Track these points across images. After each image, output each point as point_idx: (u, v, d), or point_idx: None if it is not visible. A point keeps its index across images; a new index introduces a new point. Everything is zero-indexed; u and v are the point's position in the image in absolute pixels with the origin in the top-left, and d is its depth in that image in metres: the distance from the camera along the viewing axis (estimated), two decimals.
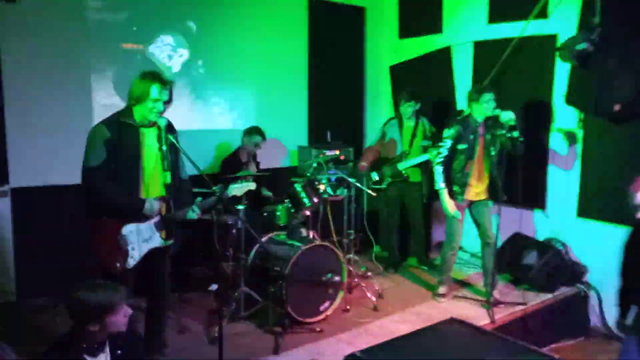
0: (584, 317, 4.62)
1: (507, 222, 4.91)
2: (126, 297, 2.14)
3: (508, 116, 3.92)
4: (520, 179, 4.36)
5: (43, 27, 4.19)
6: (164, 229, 3.06)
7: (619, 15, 4.14)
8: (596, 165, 4.60)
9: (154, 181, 3.00)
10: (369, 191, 4.72)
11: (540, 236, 4.93)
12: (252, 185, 3.27)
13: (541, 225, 5.01)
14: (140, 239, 2.95)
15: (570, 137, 4.78)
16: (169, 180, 3.02)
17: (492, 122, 4.11)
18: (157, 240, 3.02)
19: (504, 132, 3.99)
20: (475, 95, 4.10)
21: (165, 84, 2.94)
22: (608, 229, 4.56)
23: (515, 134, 3.95)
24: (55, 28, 4.26)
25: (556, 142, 4.88)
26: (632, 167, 4.36)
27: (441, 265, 4.49)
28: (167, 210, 3.05)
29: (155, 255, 3.05)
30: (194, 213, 3.02)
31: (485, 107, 4.02)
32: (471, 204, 4.27)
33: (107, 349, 2.14)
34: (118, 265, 2.88)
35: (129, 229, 2.91)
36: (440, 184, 4.16)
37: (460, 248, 5.41)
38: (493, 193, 4.25)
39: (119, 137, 2.87)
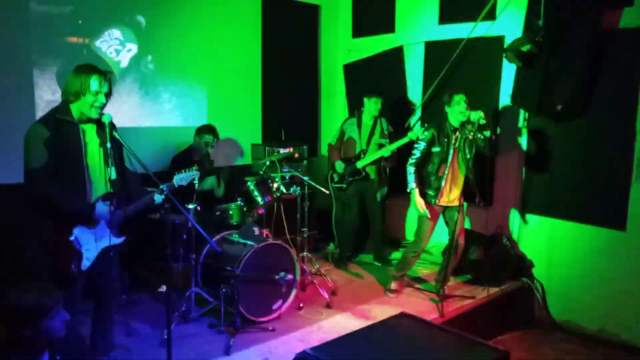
0: (529, 309, 4.81)
1: None
2: (62, 301, 2.05)
3: (477, 115, 3.96)
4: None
5: None
6: (116, 226, 2.97)
7: (561, 19, 4.31)
8: (540, 163, 4.78)
9: (99, 178, 2.89)
10: (323, 189, 4.74)
11: (488, 232, 5.08)
12: (196, 174, 3.20)
13: (489, 221, 5.16)
14: (93, 239, 2.86)
15: (516, 136, 4.95)
16: (113, 175, 2.91)
17: (466, 126, 4.13)
18: (109, 239, 2.93)
19: (478, 134, 4.02)
20: (447, 98, 4.14)
21: (104, 74, 2.81)
22: (552, 223, 4.77)
23: (487, 133, 4.00)
24: None
25: (503, 140, 5.03)
26: (573, 164, 4.57)
27: (400, 262, 4.54)
28: (116, 206, 2.96)
29: (105, 253, 2.96)
30: (161, 195, 2.90)
31: (458, 109, 4.05)
32: (446, 209, 4.28)
33: (46, 355, 2.05)
34: (74, 268, 2.77)
35: (80, 230, 2.81)
36: (412, 184, 4.15)
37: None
38: (468, 197, 4.31)
39: (59, 136, 2.73)
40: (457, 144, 4.16)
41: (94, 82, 2.76)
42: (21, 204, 3.17)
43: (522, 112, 4.88)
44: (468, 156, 4.15)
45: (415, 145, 4.25)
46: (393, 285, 4.50)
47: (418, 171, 4.18)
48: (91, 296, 3.13)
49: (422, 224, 4.30)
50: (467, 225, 5.09)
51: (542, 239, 4.83)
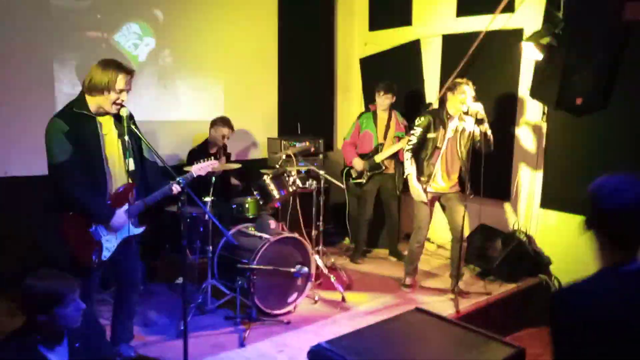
0: (546, 306, 4.74)
1: (473, 213, 5.01)
2: (79, 290, 2.09)
3: (476, 108, 3.95)
4: (486, 170, 4.45)
5: (4, 14, 4.06)
6: (136, 216, 3.02)
7: (582, 10, 4.22)
8: (559, 158, 4.71)
9: (118, 170, 2.94)
10: (339, 183, 4.74)
11: (505, 227, 5.03)
12: (215, 163, 3.24)
13: (506, 216, 5.11)
14: (112, 229, 2.91)
15: (535, 130, 4.88)
16: (132, 167, 2.96)
17: (464, 118, 4.12)
18: (129, 229, 2.98)
19: (473, 128, 4.00)
20: (452, 85, 4.16)
21: (131, 73, 2.86)
22: (570, 219, 4.68)
23: (484, 127, 3.98)
24: (17, 15, 4.12)
25: (521, 134, 4.97)
26: (593, 159, 4.49)
27: (408, 256, 4.55)
28: (135, 196, 3.00)
29: (126, 243, 3.01)
30: (179, 185, 2.91)
31: (460, 98, 4.03)
32: (441, 197, 4.31)
33: (65, 341, 2.09)
34: (94, 258, 2.84)
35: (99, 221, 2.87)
36: (408, 170, 4.22)
37: (428, 239, 5.50)
38: (463, 188, 4.30)
39: (77, 129, 2.77)
40: (453, 132, 4.15)
41: (121, 81, 2.80)
42: (42, 195, 3.23)
43: (541, 105, 4.81)
44: (463, 148, 4.15)
45: (412, 132, 4.28)
46: (407, 280, 4.49)
47: (415, 157, 4.22)
48: (112, 286, 3.18)
49: (419, 211, 4.32)
50: (487, 220, 5.07)
51: (560, 235, 4.76)
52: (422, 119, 4.21)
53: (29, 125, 4.05)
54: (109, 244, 2.90)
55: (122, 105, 2.89)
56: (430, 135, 4.17)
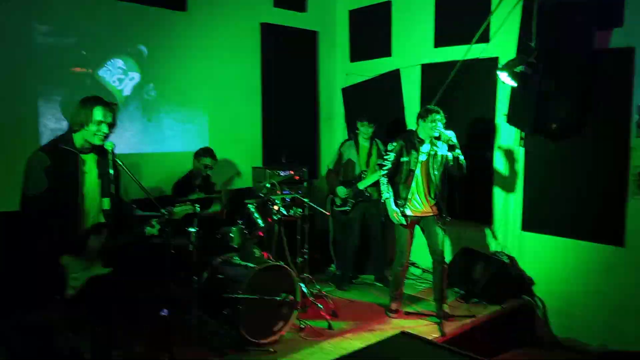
0: (531, 326, 4.79)
1: (454, 237, 5.10)
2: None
3: (447, 135, 4.07)
4: (466, 194, 4.54)
5: None
6: (103, 257, 3.01)
7: (554, 40, 4.40)
8: (538, 181, 4.83)
9: (92, 208, 2.97)
10: (323, 211, 4.79)
11: (488, 250, 5.10)
12: (189, 209, 3.27)
13: (488, 239, 5.19)
14: (80, 268, 2.90)
15: (513, 155, 5.01)
16: (107, 206, 2.98)
17: (435, 142, 4.25)
18: (96, 269, 2.98)
19: (446, 153, 4.12)
20: (423, 112, 4.28)
21: (108, 105, 2.92)
22: (551, 241, 4.79)
23: (457, 152, 4.09)
24: (1, 51, 4.18)
25: (499, 159, 5.10)
26: (572, 182, 4.61)
27: (392, 281, 4.58)
28: (108, 236, 3.01)
29: (97, 283, 3.00)
30: (153, 228, 2.98)
31: (430, 126, 4.16)
32: (420, 220, 4.38)
33: None
34: (57, 296, 2.83)
35: (68, 259, 2.86)
36: (385, 194, 4.31)
37: (413, 264, 5.55)
38: (439, 212, 4.38)
39: (59, 164, 2.82)
40: (426, 156, 4.25)
41: (98, 113, 2.87)
42: (15, 232, 3.21)
43: (518, 131, 4.94)
44: (436, 171, 4.25)
45: (385, 157, 4.38)
46: (393, 305, 4.51)
47: (390, 181, 4.32)
48: (88, 322, 3.16)
49: (399, 235, 4.40)
50: (470, 244, 5.14)
51: (542, 257, 4.84)
52: (395, 143, 4.33)
53: (15, 160, 4.04)
54: (75, 282, 2.87)
55: (107, 138, 2.93)
56: (404, 159, 4.28)
